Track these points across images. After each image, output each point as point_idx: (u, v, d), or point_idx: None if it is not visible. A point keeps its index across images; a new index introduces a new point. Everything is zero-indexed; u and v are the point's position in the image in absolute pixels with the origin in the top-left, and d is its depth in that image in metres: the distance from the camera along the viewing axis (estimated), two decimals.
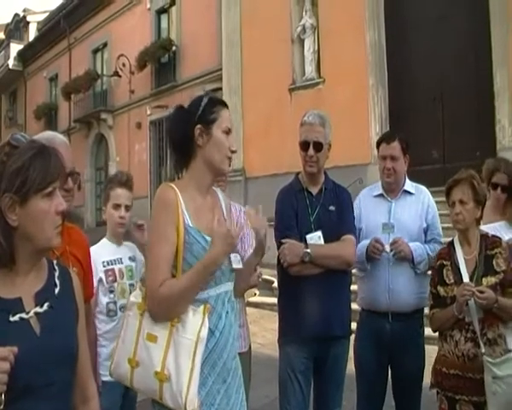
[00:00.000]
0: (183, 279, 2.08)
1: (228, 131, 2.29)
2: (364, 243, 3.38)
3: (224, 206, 2.40)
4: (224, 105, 2.35)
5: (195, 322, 2.04)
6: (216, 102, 2.31)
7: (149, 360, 2.05)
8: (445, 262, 3.09)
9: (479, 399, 2.86)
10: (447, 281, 3.03)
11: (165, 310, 2.07)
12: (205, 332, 2.04)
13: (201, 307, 2.07)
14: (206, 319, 2.06)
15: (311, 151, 3.20)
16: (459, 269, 3.01)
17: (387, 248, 3.32)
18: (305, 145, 3.23)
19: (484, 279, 2.95)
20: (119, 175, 3.43)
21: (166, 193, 2.18)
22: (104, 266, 3.22)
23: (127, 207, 3.32)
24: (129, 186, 3.36)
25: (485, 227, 3.27)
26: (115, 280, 3.23)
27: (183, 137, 2.27)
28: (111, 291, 3.22)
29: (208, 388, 2.10)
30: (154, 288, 2.07)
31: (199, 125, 2.24)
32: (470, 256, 3.04)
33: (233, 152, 2.30)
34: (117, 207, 3.29)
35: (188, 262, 2.12)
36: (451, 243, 3.15)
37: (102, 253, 3.22)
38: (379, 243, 3.31)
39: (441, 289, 3.05)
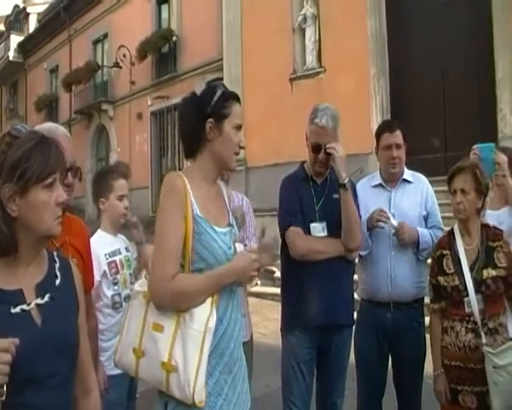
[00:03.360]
0: (201, 281, 2.07)
1: (238, 127, 2.24)
2: (365, 217, 3.33)
3: (226, 197, 2.39)
4: (237, 100, 2.28)
5: (203, 313, 2.02)
6: (229, 97, 2.24)
7: (156, 350, 2.02)
8: (444, 252, 3.06)
9: (481, 389, 2.86)
10: (447, 270, 3.01)
11: (176, 303, 2.04)
12: (213, 323, 2.01)
13: (209, 298, 2.05)
14: (214, 311, 2.04)
15: (322, 155, 3.16)
16: (459, 259, 2.98)
17: (393, 222, 3.28)
18: (316, 148, 3.18)
19: (484, 271, 2.93)
20: (119, 166, 3.42)
21: (175, 181, 2.13)
22: (107, 259, 3.19)
23: (127, 198, 3.34)
24: (128, 177, 3.38)
25: (490, 214, 3.24)
26: (118, 272, 3.22)
27: (193, 127, 2.21)
28: (115, 283, 3.19)
29: (216, 378, 2.08)
30: (165, 279, 2.02)
31: (210, 119, 2.18)
32: (471, 247, 3.01)
33: (241, 148, 2.26)
34: (121, 197, 3.29)
35: (197, 252, 2.08)
36: (451, 232, 3.12)
37: (103, 245, 3.17)
38: (383, 211, 3.29)
39: (441, 279, 3.02)
